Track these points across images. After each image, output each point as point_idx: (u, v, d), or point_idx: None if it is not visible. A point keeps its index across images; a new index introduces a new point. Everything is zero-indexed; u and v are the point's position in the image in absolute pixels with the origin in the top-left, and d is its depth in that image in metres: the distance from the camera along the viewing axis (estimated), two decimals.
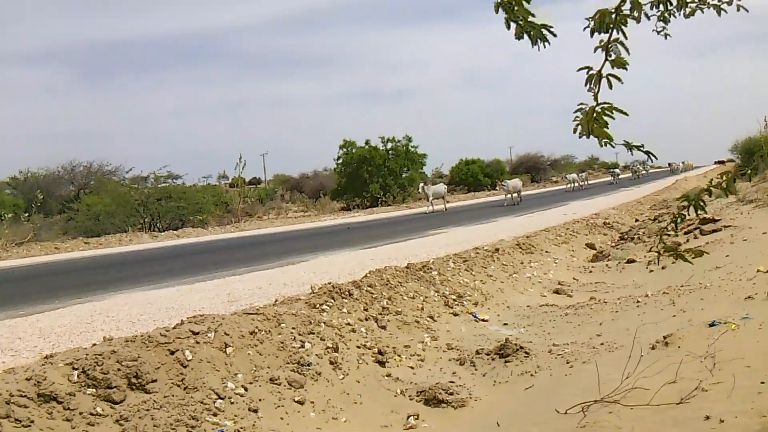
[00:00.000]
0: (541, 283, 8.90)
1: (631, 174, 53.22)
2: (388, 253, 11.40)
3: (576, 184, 38.93)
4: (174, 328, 4.67)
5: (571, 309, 6.93)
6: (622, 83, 2.14)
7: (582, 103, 2.17)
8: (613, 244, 12.67)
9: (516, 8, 2.02)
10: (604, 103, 2.15)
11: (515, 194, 27.79)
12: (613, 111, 2.14)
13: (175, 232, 23.92)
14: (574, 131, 2.20)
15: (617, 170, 47.27)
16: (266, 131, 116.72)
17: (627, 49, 2.12)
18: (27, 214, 23.27)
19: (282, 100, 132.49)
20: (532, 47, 2.11)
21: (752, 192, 14.52)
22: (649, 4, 2.47)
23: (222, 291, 8.38)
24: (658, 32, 2.72)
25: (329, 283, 6.55)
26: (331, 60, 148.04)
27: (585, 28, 2.14)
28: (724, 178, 2.35)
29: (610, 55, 2.12)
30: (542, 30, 2.10)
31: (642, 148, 2.31)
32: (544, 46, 2.12)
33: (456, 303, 7.15)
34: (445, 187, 28.52)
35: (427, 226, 18.58)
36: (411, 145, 38.20)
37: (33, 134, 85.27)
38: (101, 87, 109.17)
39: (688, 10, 2.63)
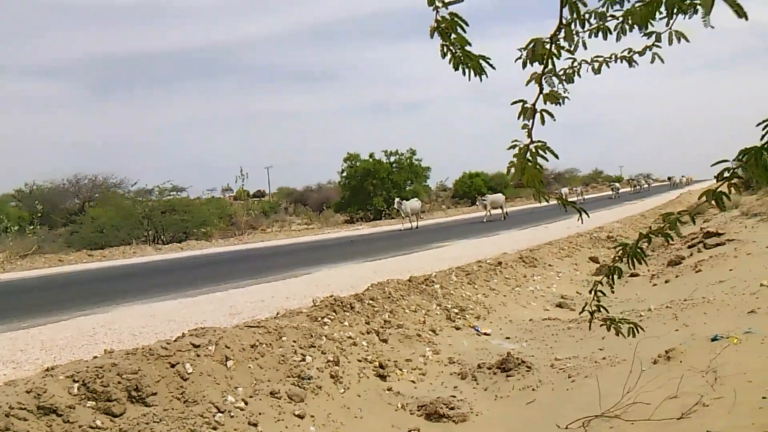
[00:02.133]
0: (544, 296, 8.87)
1: (630, 188, 53.12)
2: (391, 267, 11.40)
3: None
4: (175, 340, 4.68)
5: (574, 323, 6.90)
6: (555, 120, 1.98)
7: (516, 141, 2.02)
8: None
9: (452, 35, 1.83)
10: (538, 141, 1.99)
11: (497, 210, 27.28)
12: (546, 151, 1.99)
13: (179, 244, 23.96)
14: (507, 173, 2.04)
15: (617, 184, 47.27)
16: (273, 144, 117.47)
17: (563, 80, 2.03)
18: (31, 227, 23.35)
19: (289, 113, 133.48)
20: (469, 81, 1.92)
21: (757, 206, 14.48)
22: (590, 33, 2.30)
23: (225, 304, 8.39)
24: (558, 97, 2.61)
25: (331, 296, 6.56)
26: (340, 74, 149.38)
27: (517, 59, 1.99)
28: (666, 221, 2.17)
29: (544, 89, 1.99)
30: (480, 62, 1.91)
31: (575, 206, 2.22)
32: (480, 80, 1.94)
33: (458, 316, 7.13)
34: (420, 203, 27.91)
35: (430, 239, 18.58)
36: (415, 159, 38.31)
37: (41, 147, 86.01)
38: (111, 100, 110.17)
39: (596, 64, 2.46)
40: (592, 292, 2.45)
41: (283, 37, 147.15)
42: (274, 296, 8.75)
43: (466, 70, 1.90)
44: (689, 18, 2.00)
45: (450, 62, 1.88)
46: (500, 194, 29.43)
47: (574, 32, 2.04)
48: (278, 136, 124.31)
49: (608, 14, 2.26)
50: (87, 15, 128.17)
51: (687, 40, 2.24)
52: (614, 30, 2.28)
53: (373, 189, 36.18)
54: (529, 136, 2.00)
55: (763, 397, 3.38)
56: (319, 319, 5.87)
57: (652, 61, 2.41)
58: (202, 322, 6.94)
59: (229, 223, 30.62)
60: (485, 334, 6.78)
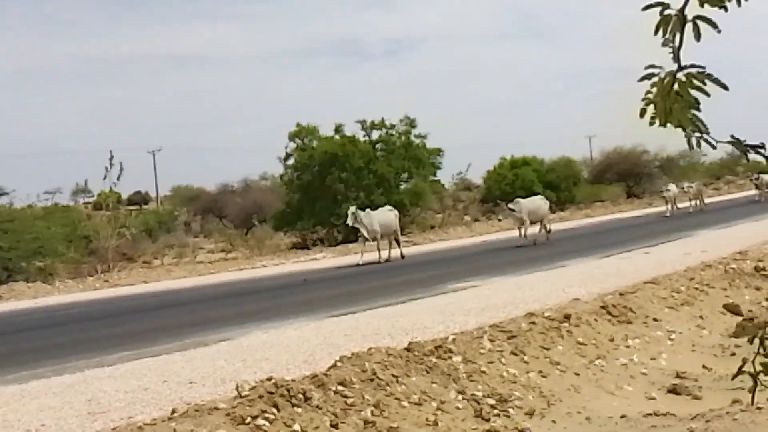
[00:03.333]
0: (647, 375, 8.90)
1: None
2: (377, 325, 11.40)
3: (671, 206, 36.71)
4: None
5: (700, 421, 6.93)
6: (720, 32, 2.07)
7: (654, 66, 2.13)
8: None
9: None
10: (692, 66, 2.10)
11: (537, 224, 27.60)
12: (706, 81, 2.09)
13: None
14: (641, 115, 2.14)
15: (766, 177, 46.21)
16: (160, 113, 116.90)
17: None
18: None
19: (191, 59, 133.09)
20: None
21: None
22: None
23: (78, 395, 8.33)
24: None
25: (270, 380, 6.54)
26: None
27: None
28: None
29: None
30: None
31: (763, 152, 2.25)
32: None
33: (496, 412, 7.14)
34: (396, 213, 27.22)
35: (445, 275, 18.61)
36: (414, 135, 38.41)
37: None
38: None
39: None
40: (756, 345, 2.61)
41: None
42: (167, 380, 8.71)
43: None
44: None
45: None
46: (540, 198, 29.51)
47: None
48: (170, 99, 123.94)
49: None
50: None
51: None
52: None
53: (344, 187, 36.10)
54: (676, 59, 2.10)
55: None
56: (249, 420, 5.84)
57: None
58: (38, 428, 6.88)
59: (87, 251, 30.49)
60: None
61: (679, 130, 2.15)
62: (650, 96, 2.12)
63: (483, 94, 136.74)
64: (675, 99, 2.08)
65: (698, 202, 40.15)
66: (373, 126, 38.19)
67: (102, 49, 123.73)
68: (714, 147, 2.19)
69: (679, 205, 37.14)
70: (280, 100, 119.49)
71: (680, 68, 2.09)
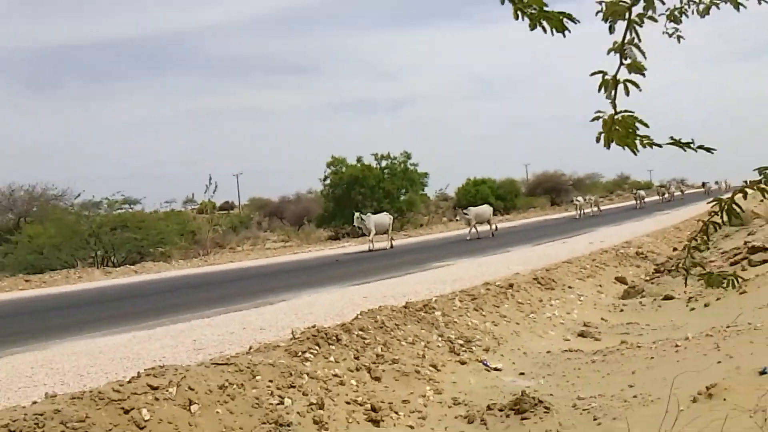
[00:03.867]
0: (564, 324, 8.90)
1: (658, 196, 51.66)
2: (384, 291, 11.41)
3: (579, 212, 36.48)
4: (129, 382, 4.65)
5: (599, 355, 6.92)
6: (640, 90, 2.14)
7: (599, 111, 2.18)
8: (648, 278, 12.70)
9: None
10: (625, 111, 2.15)
11: (482, 225, 26.40)
12: (635, 122, 2.14)
13: (132, 267, 23.84)
14: (597, 140, 2.22)
15: (642, 192, 46.28)
16: (241, 148, 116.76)
17: (643, 53, 2.14)
18: None
19: (260, 112, 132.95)
20: (553, 35, 2.09)
21: None
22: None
23: (187, 337, 8.35)
24: (669, 34, 2.74)
25: (313, 327, 6.55)
26: (318, 66, 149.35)
27: (598, 12, 2.15)
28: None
29: (625, 59, 2.12)
30: (561, 19, 2.07)
31: (692, 145, 2.29)
32: (564, 36, 2.10)
33: (464, 349, 7.14)
34: (391, 218, 25.93)
35: (429, 257, 18.61)
36: (410, 163, 38.43)
37: None
38: (47, 98, 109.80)
39: (702, 6, 2.65)
40: (686, 249, 2.65)
41: (249, 24, 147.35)
42: (246, 327, 8.73)
43: (546, 28, 2.07)
44: None
45: (528, 24, 2.06)
46: (486, 206, 28.35)
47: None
48: (248, 139, 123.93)
49: None
50: (16, 1, 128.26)
51: None
52: None
53: (362, 199, 36.16)
54: (614, 106, 2.13)
55: None
56: (300, 354, 5.85)
57: (759, 3, 2.54)
58: (160, 359, 6.91)
59: (192, 241, 30.53)
60: (495, 369, 6.78)
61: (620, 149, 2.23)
62: (600, 129, 2.22)
63: (455, 135, 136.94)
64: (615, 132, 2.15)
65: (597, 209, 40.13)
66: (382, 157, 38.24)
67: (203, 105, 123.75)
68: (660, 146, 2.27)
69: (585, 211, 37.10)
70: (320, 139, 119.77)
71: (617, 113, 2.14)
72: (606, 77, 2.14)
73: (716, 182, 65.62)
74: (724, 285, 2.60)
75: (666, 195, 51.36)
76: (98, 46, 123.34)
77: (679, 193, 57.55)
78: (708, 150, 2.28)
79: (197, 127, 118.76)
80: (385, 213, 26.51)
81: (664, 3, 2.18)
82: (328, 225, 38.03)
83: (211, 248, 29.79)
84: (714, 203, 2.43)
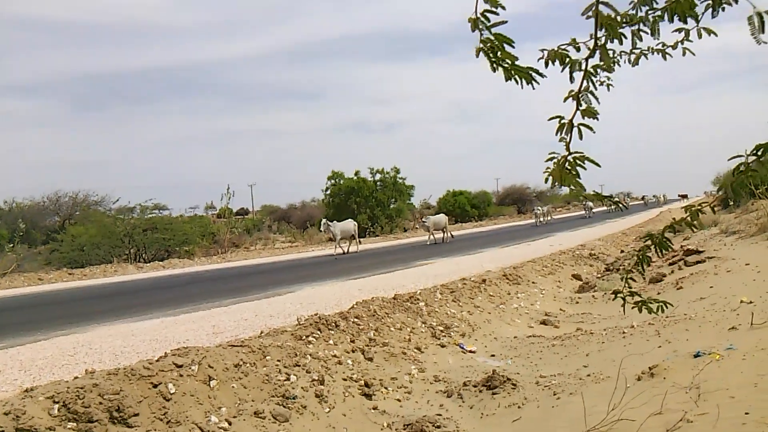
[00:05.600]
0: (528, 314, 8.90)
1: (606, 207, 52.40)
2: (376, 284, 11.38)
3: (539, 219, 36.25)
4: (157, 360, 4.61)
5: (558, 340, 6.93)
6: (594, 132, 2.11)
7: (553, 153, 2.15)
8: (599, 275, 12.72)
9: (499, 53, 2.00)
10: (576, 152, 2.12)
11: (440, 232, 25.38)
12: (585, 161, 2.12)
13: (160, 263, 23.70)
14: (546, 181, 2.21)
15: (590, 203, 46.56)
16: (255, 163, 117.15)
17: (597, 99, 2.12)
18: (11, 245, 22.98)
19: (271, 132, 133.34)
20: (522, 88, 2.09)
21: (735, 224, 14.70)
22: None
23: (207, 323, 8.30)
24: (601, 83, 2.71)
25: (316, 315, 6.52)
26: (322, 93, 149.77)
27: (539, 59, 2.15)
28: (688, 212, 2.35)
29: (581, 105, 2.09)
30: (530, 73, 2.07)
31: (612, 199, 2.33)
32: (533, 88, 2.10)
33: (443, 334, 7.12)
34: (355, 224, 24.16)
35: (414, 257, 18.59)
36: (399, 177, 38.44)
37: (22, 165, 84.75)
38: (92, 118, 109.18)
39: (632, 57, 2.64)
40: (623, 280, 2.63)
41: (264, 57, 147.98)
42: (258, 315, 8.68)
43: (518, 80, 2.04)
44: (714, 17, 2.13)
45: (503, 75, 2.04)
46: (442, 215, 27.29)
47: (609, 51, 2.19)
48: (261, 154, 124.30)
49: (638, 15, 2.36)
50: (67, 32, 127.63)
51: (716, 35, 2.35)
52: (644, 30, 2.40)
53: (357, 207, 36.21)
54: (567, 149, 2.10)
55: (746, 413, 3.41)
56: (304, 337, 5.83)
57: (683, 55, 2.55)
58: (184, 341, 6.86)
59: (212, 241, 30.37)
60: (470, 351, 6.77)
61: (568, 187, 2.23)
62: (549, 170, 2.19)
63: (437, 153, 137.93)
64: (566, 172, 2.12)
65: (549, 218, 40.13)
66: (375, 171, 38.24)
67: (224, 125, 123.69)
68: (585, 198, 2.26)
69: (541, 219, 37.07)
70: (323, 155, 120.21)
71: (570, 153, 2.11)
72: (563, 121, 2.10)
73: (654, 196, 66.06)
74: (655, 311, 2.63)
75: (611, 206, 51.70)
76: (135, 74, 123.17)
77: (624, 205, 57.95)
78: (618, 204, 2.36)
79: (218, 145, 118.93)
80: (349, 220, 24.96)
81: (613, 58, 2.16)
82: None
83: (228, 247, 29.66)
84: (646, 238, 2.45)
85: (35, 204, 35.27)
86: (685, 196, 77.99)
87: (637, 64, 2.67)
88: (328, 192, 37.90)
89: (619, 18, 2.11)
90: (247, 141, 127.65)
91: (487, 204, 52.57)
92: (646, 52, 2.65)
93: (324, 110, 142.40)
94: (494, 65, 2.01)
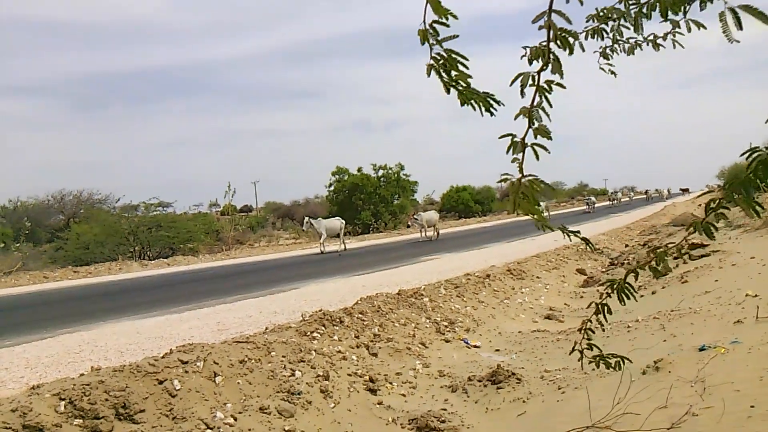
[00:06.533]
0: (533, 308, 8.89)
1: (609, 202, 52.73)
2: (380, 280, 11.38)
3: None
4: (163, 357, 4.63)
5: (563, 335, 6.92)
6: (549, 153, 1.92)
7: (506, 174, 1.96)
8: (604, 270, 12.71)
9: (453, 73, 1.75)
10: (530, 175, 1.92)
11: (431, 229, 24.70)
12: (540, 185, 1.94)
13: (165, 260, 23.75)
14: (504, 206, 2.09)
15: (592, 198, 46.36)
16: (258, 161, 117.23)
17: (548, 115, 1.90)
18: (17, 244, 23.08)
19: (274, 131, 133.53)
20: (482, 116, 1.84)
21: (740, 217, 14.65)
22: (586, 34, 2.42)
23: (212, 320, 8.32)
24: (605, 71, 2.71)
25: (320, 311, 6.53)
26: (324, 93, 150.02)
27: (512, 82, 1.94)
28: (655, 255, 2.16)
29: (533, 123, 1.90)
30: (487, 99, 1.83)
31: (578, 235, 2.19)
32: (492, 115, 1.85)
33: (448, 329, 7.13)
34: (342, 222, 23.07)
35: (418, 252, 18.59)
36: (403, 173, 38.42)
37: (24, 165, 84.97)
38: (94, 118, 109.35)
39: (627, 46, 2.64)
40: (582, 331, 2.45)
41: (264, 57, 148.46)
42: (262, 311, 8.70)
43: (474, 106, 1.83)
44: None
45: (459, 99, 1.82)
46: (434, 212, 26.57)
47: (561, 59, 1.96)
48: (264, 153, 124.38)
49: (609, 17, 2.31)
50: (68, 34, 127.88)
51: (704, 28, 2.30)
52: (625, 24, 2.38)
53: (361, 203, 36.21)
54: (521, 170, 1.91)
55: (752, 407, 3.40)
56: (308, 333, 5.84)
57: (674, 47, 2.53)
58: (189, 338, 6.88)
59: (216, 238, 30.44)
60: (475, 346, 6.77)
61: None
62: (506, 199, 2.04)
63: (440, 151, 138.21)
64: (522, 197, 1.94)
65: (547, 213, 40.07)
66: (379, 168, 38.24)
67: (227, 125, 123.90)
68: (552, 230, 2.13)
69: (544, 214, 36.93)
70: (324, 153, 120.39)
71: (523, 176, 1.94)
72: (515, 140, 1.90)
73: (656, 190, 66.14)
74: (614, 366, 2.52)
75: (615, 201, 52.00)
76: (137, 74, 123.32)
77: (627, 199, 58.02)
78: (587, 242, 2.18)
79: (222, 144, 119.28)
80: (337, 218, 24.10)
81: (561, 68, 1.94)
82: None
83: (232, 244, 29.72)
84: (607, 284, 2.30)
85: (40, 203, 35.42)
86: (686, 190, 77.88)
87: (633, 53, 2.68)
88: (332, 188, 37.90)
89: (591, 22, 1.99)
90: (251, 140, 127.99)
91: (491, 200, 52.51)
92: (641, 41, 2.65)
93: (325, 109, 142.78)
94: (447, 87, 1.77)
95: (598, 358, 2.41)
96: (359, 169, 37.74)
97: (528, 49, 1.93)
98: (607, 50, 2.68)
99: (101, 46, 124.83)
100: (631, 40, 2.63)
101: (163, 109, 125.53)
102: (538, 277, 10.98)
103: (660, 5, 2.04)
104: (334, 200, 37.72)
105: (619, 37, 2.48)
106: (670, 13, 2.12)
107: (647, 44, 2.63)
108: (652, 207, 40.58)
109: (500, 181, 2.00)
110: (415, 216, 25.54)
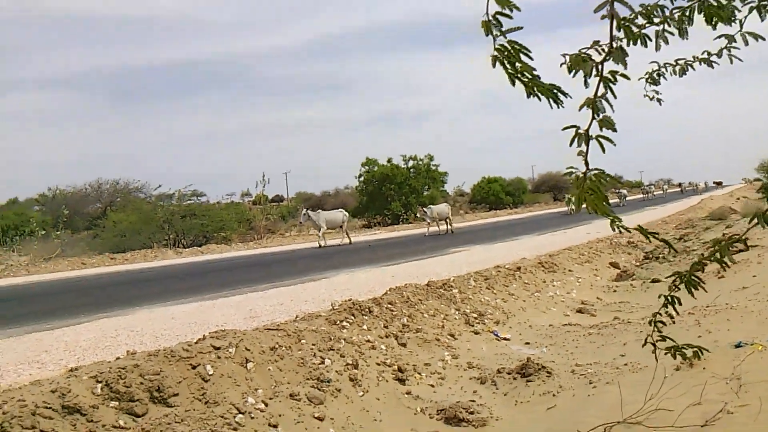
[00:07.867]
0: (564, 302, 8.79)
1: (642, 195, 51.94)
2: (409, 271, 11.38)
3: (571, 207, 35.30)
4: (196, 343, 4.71)
5: (595, 329, 6.84)
6: (615, 145, 1.86)
7: (571, 167, 1.91)
8: (638, 264, 12.49)
9: (517, 64, 1.73)
10: (596, 169, 1.88)
11: (442, 222, 23.67)
12: (606, 179, 1.89)
13: (199, 248, 24.17)
14: (567, 204, 2.02)
15: (624, 191, 45.29)
16: (289, 153, 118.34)
17: (612, 106, 1.84)
18: (57, 231, 23.73)
19: (306, 123, 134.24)
20: (551, 108, 1.80)
21: None
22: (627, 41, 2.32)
23: (244, 307, 8.43)
24: (650, 98, 2.58)
25: (350, 300, 6.56)
26: (354, 85, 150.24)
27: (562, 65, 1.88)
28: (717, 247, 2.14)
29: (597, 114, 1.86)
30: (554, 91, 1.80)
31: (657, 236, 2.15)
32: (559, 107, 1.82)
33: (477, 321, 7.10)
34: (345, 214, 21.97)
35: (447, 244, 18.53)
36: (432, 164, 38.31)
37: (63, 156, 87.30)
38: (130, 111, 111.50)
39: (678, 68, 2.52)
40: (652, 324, 2.45)
41: (296, 50, 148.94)
42: (293, 300, 8.78)
43: (540, 98, 1.80)
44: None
45: (524, 90, 1.79)
46: (445, 204, 25.36)
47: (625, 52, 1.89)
48: (295, 145, 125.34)
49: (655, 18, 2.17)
50: (104, 27, 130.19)
51: (763, 39, 2.19)
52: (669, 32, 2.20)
53: (392, 194, 36.22)
54: (586, 163, 1.87)
55: None
56: (338, 322, 5.87)
57: (731, 62, 2.38)
58: (222, 324, 6.99)
59: (248, 227, 30.82)
60: (505, 339, 6.73)
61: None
62: (571, 194, 2.00)
63: (468, 142, 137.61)
64: (588, 192, 1.89)
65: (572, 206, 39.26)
66: (409, 158, 38.22)
67: (261, 118, 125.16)
68: (629, 230, 2.08)
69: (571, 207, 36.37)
70: (355, 144, 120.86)
71: (589, 170, 1.89)
72: (579, 131, 1.86)
73: (689, 183, 64.95)
74: (690, 356, 2.47)
75: (648, 194, 51.28)
76: (173, 66, 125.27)
77: (660, 192, 57.03)
78: (667, 243, 2.12)
79: (254, 136, 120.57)
80: (339, 210, 23.19)
81: (627, 59, 1.86)
82: (362, 215, 38.17)
83: (263, 233, 30.05)
84: (675, 277, 2.23)
85: (78, 191, 36.35)
86: (719, 184, 75.96)
87: (685, 74, 2.54)
88: (362, 179, 37.98)
89: (639, 19, 1.91)
90: (283, 132, 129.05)
91: (522, 191, 52.05)
92: (691, 62, 2.51)
93: (356, 101, 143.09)
94: (512, 78, 1.75)
95: (673, 349, 2.41)
96: (389, 160, 37.77)
97: (567, 56, 1.87)
98: (654, 75, 2.54)
99: (138, 40, 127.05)
100: (680, 62, 2.50)
101: (198, 102, 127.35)
102: (570, 270, 10.85)
103: (704, 12, 1.95)
104: (364, 191, 37.82)
105: (663, 44, 2.32)
106: (723, 24, 2.02)
107: (700, 64, 2.48)
108: (688, 200, 39.66)
109: (565, 174, 1.94)
110: (424, 209, 24.16)
